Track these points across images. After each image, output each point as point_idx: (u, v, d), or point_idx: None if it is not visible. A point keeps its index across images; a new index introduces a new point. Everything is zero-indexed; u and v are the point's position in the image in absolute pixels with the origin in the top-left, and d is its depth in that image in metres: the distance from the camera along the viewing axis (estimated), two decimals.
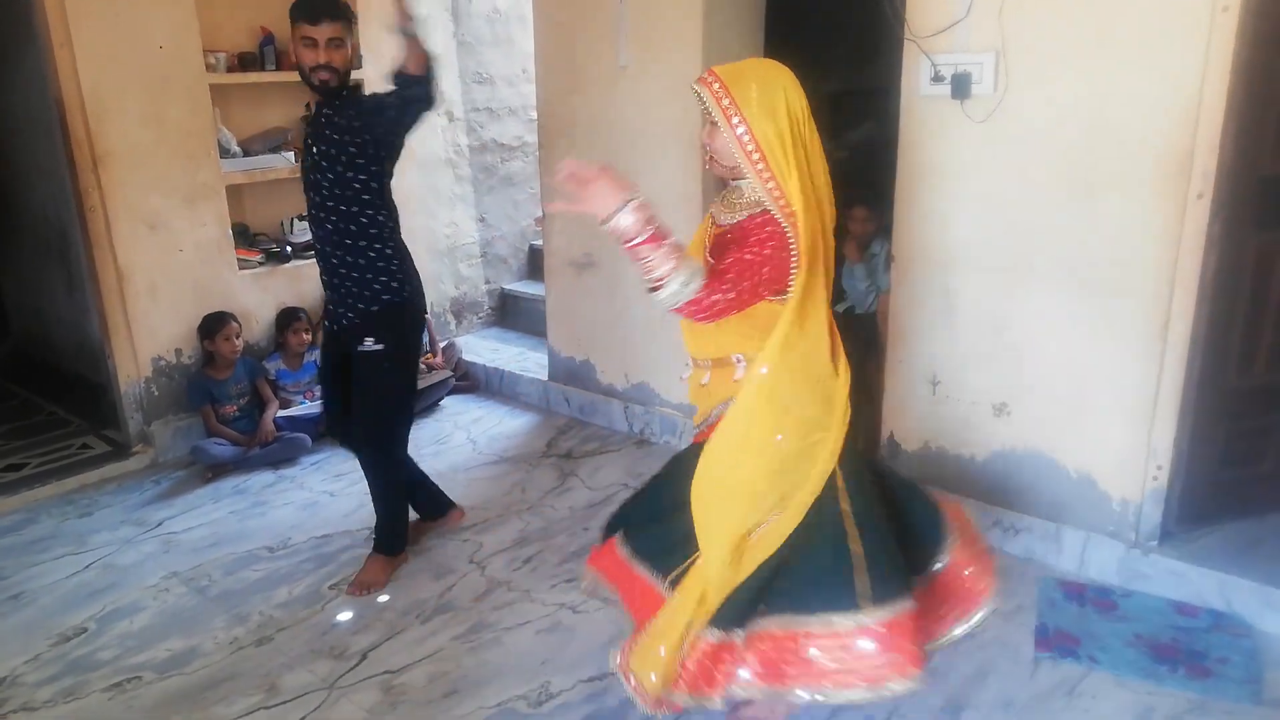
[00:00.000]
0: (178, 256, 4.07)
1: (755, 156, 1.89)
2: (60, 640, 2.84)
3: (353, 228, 2.82)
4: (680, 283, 1.82)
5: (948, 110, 2.92)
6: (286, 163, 4.44)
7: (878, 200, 3.72)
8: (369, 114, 2.76)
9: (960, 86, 2.85)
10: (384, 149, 2.80)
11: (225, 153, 4.25)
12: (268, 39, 4.38)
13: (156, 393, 4.10)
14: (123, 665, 2.71)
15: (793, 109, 1.89)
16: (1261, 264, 2.74)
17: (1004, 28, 2.76)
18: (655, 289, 1.85)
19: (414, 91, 2.70)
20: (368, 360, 2.90)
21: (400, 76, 2.72)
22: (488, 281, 5.57)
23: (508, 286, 5.64)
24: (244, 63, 4.32)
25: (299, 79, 2.86)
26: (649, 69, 3.74)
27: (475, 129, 5.27)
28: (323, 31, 2.70)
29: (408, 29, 2.67)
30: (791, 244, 1.91)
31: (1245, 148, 2.56)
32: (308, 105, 2.97)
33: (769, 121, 1.87)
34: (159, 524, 3.55)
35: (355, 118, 2.75)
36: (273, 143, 4.48)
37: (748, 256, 1.91)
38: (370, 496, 3.16)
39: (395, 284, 2.89)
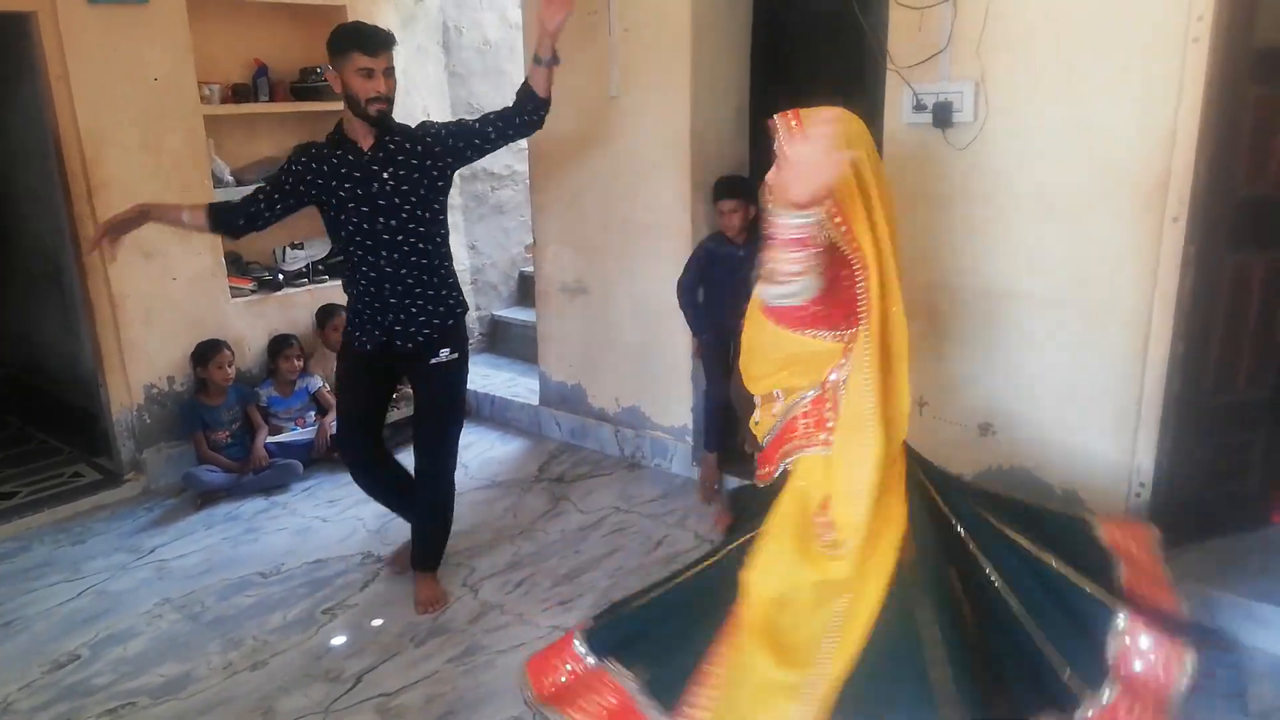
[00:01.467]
0: (171, 285, 4.10)
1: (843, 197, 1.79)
2: (54, 667, 2.84)
3: (429, 247, 2.94)
4: (801, 287, 1.73)
5: (930, 138, 2.99)
6: None
7: None
8: (467, 138, 2.95)
9: (942, 115, 2.93)
10: (457, 169, 3.02)
11: (219, 182, 4.30)
12: (261, 70, 4.44)
13: (149, 420, 4.11)
14: (117, 691, 2.72)
15: (857, 159, 1.79)
16: (1236, 284, 2.81)
17: (982, 58, 2.84)
18: (777, 282, 1.74)
19: (536, 116, 2.98)
20: (444, 371, 3.02)
21: (530, 98, 2.95)
22: (478, 308, 5.61)
23: (498, 313, 5.68)
24: (238, 94, 4.38)
25: (289, 110, 2.95)
26: (639, 99, 3.81)
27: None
28: (380, 62, 2.76)
29: (551, 59, 2.90)
30: (860, 286, 1.83)
31: (1219, 172, 2.64)
32: (335, 138, 2.90)
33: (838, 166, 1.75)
34: (152, 551, 3.55)
35: (440, 141, 2.92)
36: (266, 172, 4.51)
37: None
38: (414, 512, 3.19)
39: (459, 294, 3.09)
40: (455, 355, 3.02)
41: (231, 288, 4.35)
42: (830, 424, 1.93)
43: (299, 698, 2.65)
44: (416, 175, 2.87)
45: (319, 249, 4.79)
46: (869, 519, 1.80)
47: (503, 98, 5.43)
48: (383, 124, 2.83)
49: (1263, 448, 3.02)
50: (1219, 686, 2.46)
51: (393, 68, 2.81)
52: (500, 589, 3.18)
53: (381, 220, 2.88)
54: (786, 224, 1.66)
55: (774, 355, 1.98)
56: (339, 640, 2.93)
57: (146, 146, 3.95)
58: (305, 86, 4.57)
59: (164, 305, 4.09)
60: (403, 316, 2.94)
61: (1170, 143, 2.61)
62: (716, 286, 3.73)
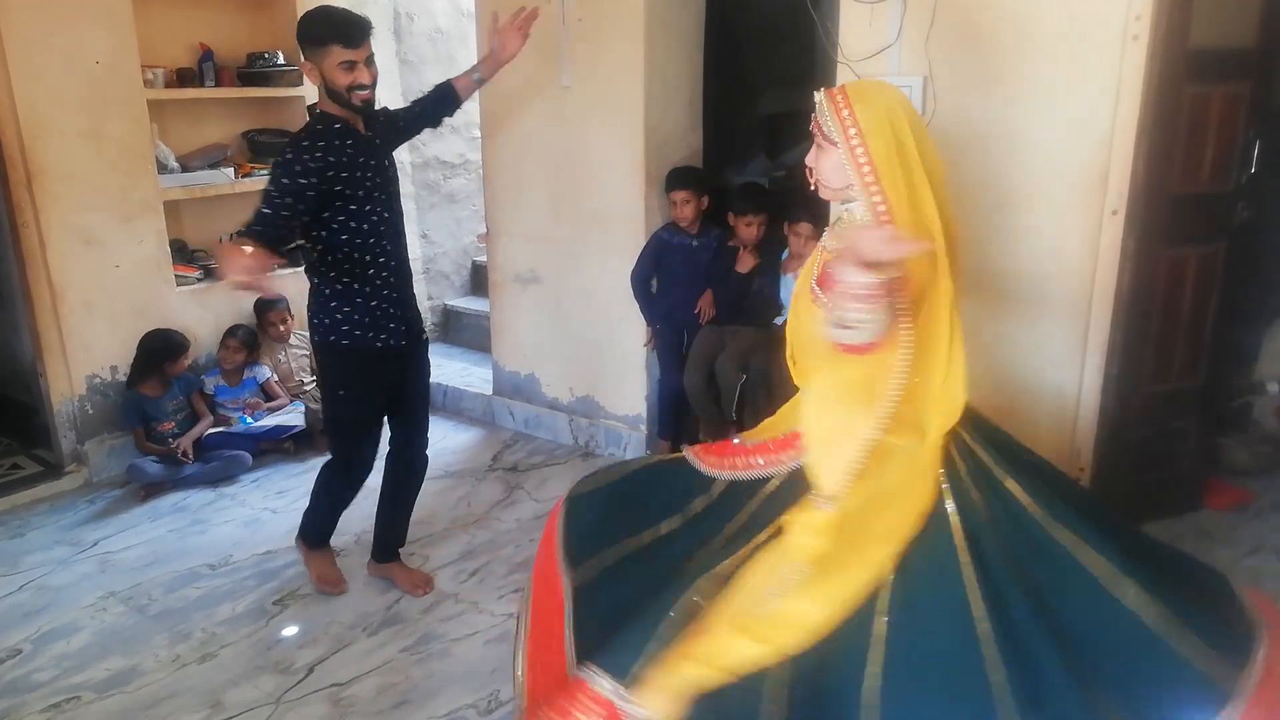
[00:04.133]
0: (114, 273, 4.01)
1: (866, 169, 1.78)
2: None
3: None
4: (870, 329, 1.66)
5: None
6: (226, 179, 4.41)
7: (819, 219, 3.83)
8: (413, 124, 2.99)
9: None
10: None
11: (164, 169, 4.21)
12: (207, 55, 4.35)
13: (91, 411, 4.02)
14: (60, 686, 2.66)
15: (899, 130, 1.77)
16: (1172, 277, 2.91)
17: (930, 53, 2.89)
18: (845, 326, 1.68)
19: (447, 112, 3.06)
20: (427, 347, 3.06)
21: (453, 101, 3.05)
22: (430, 298, 5.57)
23: (450, 302, 5.64)
24: (183, 79, 4.29)
25: (235, 95, 2.86)
26: (592, 90, 3.81)
27: (417, 146, 5.28)
28: (362, 52, 2.63)
29: (496, 69, 3.02)
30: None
31: (1156, 168, 2.72)
32: (329, 126, 2.66)
33: (879, 138, 1.76)
34: (94, 544, 3.48)
35: (403, 130, 2.95)
36: (212, 159, 4.45)
37: None
38: (397, 498, 3.15)
39: None
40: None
41: (176, 276, 4.27)
42: None
43: (249, 689, 2.62)
44: (398, 132, 2.93)
45: None
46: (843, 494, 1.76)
47: None
48: (369, 113, 2.74)
49: (1195, 435, 3.14)
50: None
51: (373, 54, 2.67)
52: (454, 578, 3.18)
53: (396, 206, 2.83)
54: (854, 280, 1.61)
55: (823, 349, 1.83)
56: (290, 631, 2.90)
57: (88, 132, 3.85)
58: (253, 72, 4.49)
59: (106, 294, 4.00)
60: (408, 304, 2.92)
61: (1110, 138, 2.69)
62: (670, 276, 3.76)
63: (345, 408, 2.91)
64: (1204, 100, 2.76)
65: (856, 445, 1.78)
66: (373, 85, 2.67)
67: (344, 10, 2.77)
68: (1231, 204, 2.96)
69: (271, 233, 2.51)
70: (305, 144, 2.61)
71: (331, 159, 2.61)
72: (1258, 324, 3.82)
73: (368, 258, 2.74)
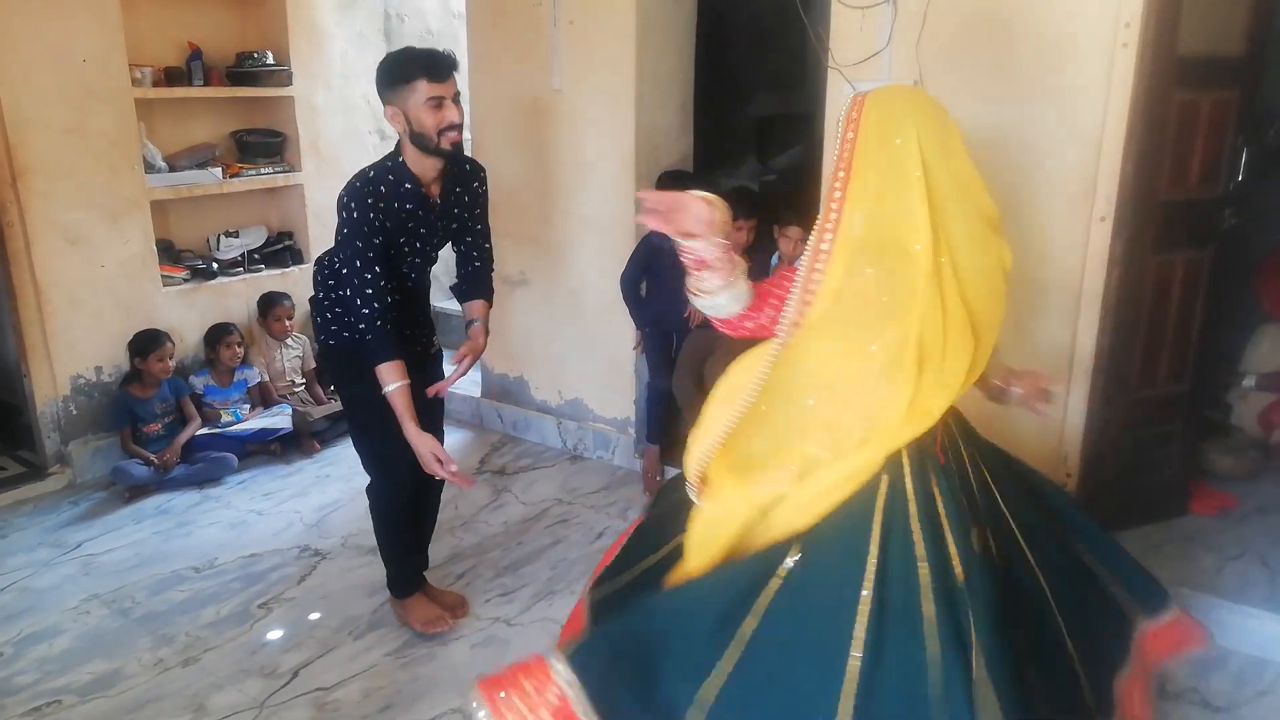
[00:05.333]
0: (100, 272, 3.98)
1: (841, 172, 1.72)
2: None
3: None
4: (725, 299, 1.79)
5: None
6: (214, 179, 4.39)
7: (809, 222, 3.84)
8: (474, 221, 2.78)
9: None
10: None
11: (150, 168, 4.18)
12: (195, 54, 4.33)
13: (75, 412, 3.99)
14: (42, 689, 2.63)
15: (923, 143, 1.69)
16: (1159, 283, 2.92)
17: (921, 58, 2.90)
18: (698, 296, 1.82)
19: (463, 283, 2.84)
20: (439, 361, 2.94)
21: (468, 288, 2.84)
22: None
23: (439, 304, 5.60)
24: (170, 78, 4.27)
25: (224, 94, 2.72)
26: (583, 92, 3.81)
27: None
28: (450, 87, 2.46)
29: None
30: (799, 278, 1.75)
31: (1144, 174, 2.73)
32: (394, 180, 2.53)
33: (879, 148, 1.70)
34: (78, 546, 3.45)
35: (479, 200, 2.76)
36: (200, 158, 4.42)
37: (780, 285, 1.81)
38: (429, 518, 3.06)
39: None
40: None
41: (163, 276, 4.24)
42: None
43: (233, 693, 2.60)
44: (467, 207, 2.74)
45: (254, 238, 4.70)
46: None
47: None
48: (456, 158, 2.59)
49: (1180, 440, 3.15)
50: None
51: (459, 92, 2.50)
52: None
53: (431, 248, 2.73)
54: (687, 247, 1.73)
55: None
56: (275, 635, 2.88)
57: (74, 130, 3.82)
58: (241, 71, 4.47)
59: (92, 293, 3.97)
60: (426, 322, 2.88)
61: (1099, 144, 2.69)
62: (659, 280, 3.75)
63: (358, 407, 2.76)
64: (1192, 107, 2.78)
65: (710, 437, 1.79)
66: (461, 127, 2.50)
67: (426, 47, 2.59)
68: (1219, 210, 2.97)
69: (386, 309, 2.50)
70: (363, 197, 2.48)
71: (382, 220, 2.50)
72: (1243, 330, 3.85)
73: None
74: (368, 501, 2.86)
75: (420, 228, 2.62)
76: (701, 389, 3.69)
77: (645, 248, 3.73)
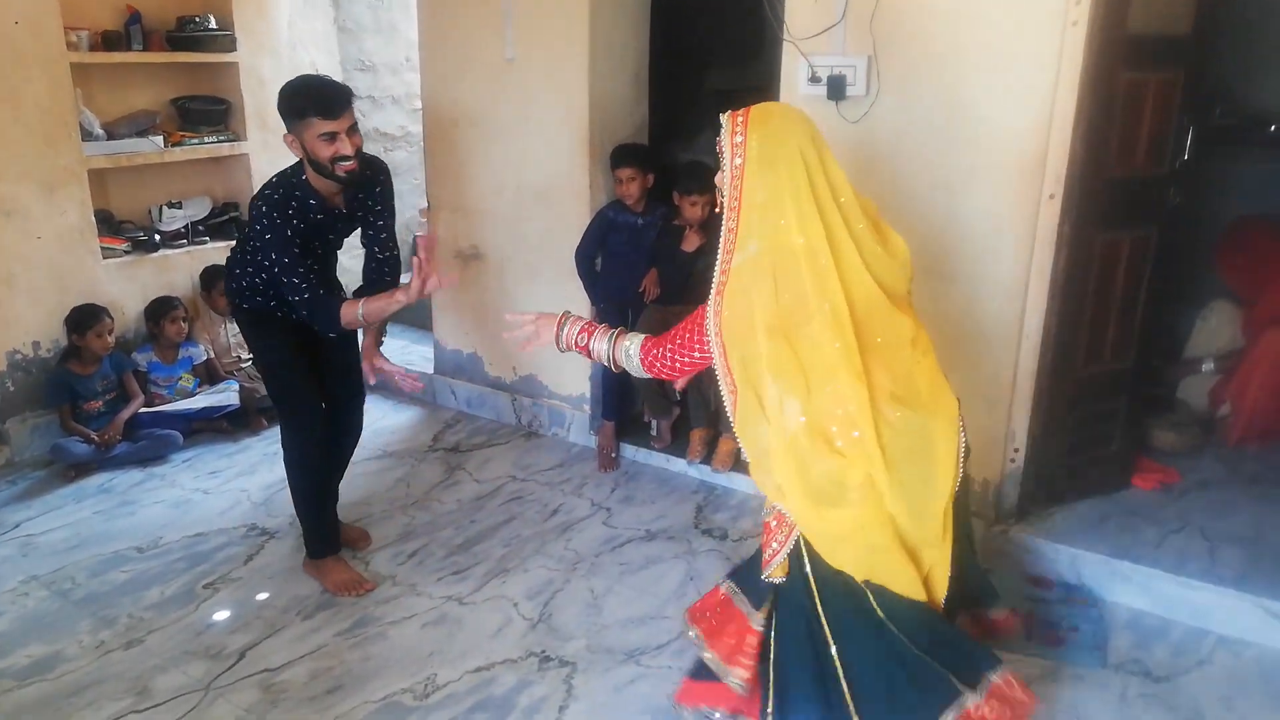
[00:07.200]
0: (35, 244, 3.85)
1: (734, 200, 1.82)
2: None
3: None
4: (625, 354, 2.07)
5: (824, 110, 3.03)
6: (154, 147, 4.26)
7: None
8: (376, 220, 2.90)
9: (835, 88, 2.97)
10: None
11: (88, 135, 4.04)
12: (134, 17, 4.18)
13: (12, 388, 3.87)
14: None
15: (793, 161, 1.78)
16: (1106, 261, 2.95)
17: (875, 33, 2.88)
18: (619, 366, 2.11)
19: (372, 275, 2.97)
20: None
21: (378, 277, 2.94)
22: None
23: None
24: (108, 42, 4.12)
25: (165, 60, 2.75)
26: (536, 63, 3.74)
27: (357, 117, 5.16)
28: (344, 122, 2.58)
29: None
30: (714, 307, 1.87)
31: (1093, 152, 2.75)
32: (301, 192, 2.69)
33: (768, 166, 1.79)
34: (16, 526, 3.36)
35: (381, 200, 2.87)
36: (140, 126, 4.28)
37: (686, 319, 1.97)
38: (336, 476, 3.15)
39: None
40: None
41: (103, 248, 4.12)
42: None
43: (177, 676, 2.56)
44: (369, 208, 2.86)
45: (198, 209, 4.58)
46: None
47: (394, 55, 5.28)
48: (356, 182, 2.71)
49: (1125, 415, 3.20)
50: (1083, 639, 2.63)
51: (356, 124, 2.64)
52: (392, 560, 3.13)
53: (335, 241, 2.93)
54: (572, 338, 2.20)
55: None
56: (221, 615, 2.84)
57: (5, 96, 3.67)
58: (182, 36, 4.33)
59: (28, 266, 3.84)
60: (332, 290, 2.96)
61: (1048, 122, 2.71)
62: (615, 255, 3.73)
63: (264, 355, 2.97)
64: (1140, 86, 2.80)
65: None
66: (356, 155, 2.63)
67: (323, 79, 2.73)
68: (1164, 189, 3.01)
69: (311, 272, 2.68)
70: (276, 206, 2.64)
71: (294, 223, 2.66)
72: (1188, 308, 3.92)
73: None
74: (286, 469, 3.02)
75: (329, 233, 2.84)
76: None
77: (600, 222, 3.70)
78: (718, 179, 1.89)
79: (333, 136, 2.57)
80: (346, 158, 2.60)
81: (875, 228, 1.86)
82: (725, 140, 1.85)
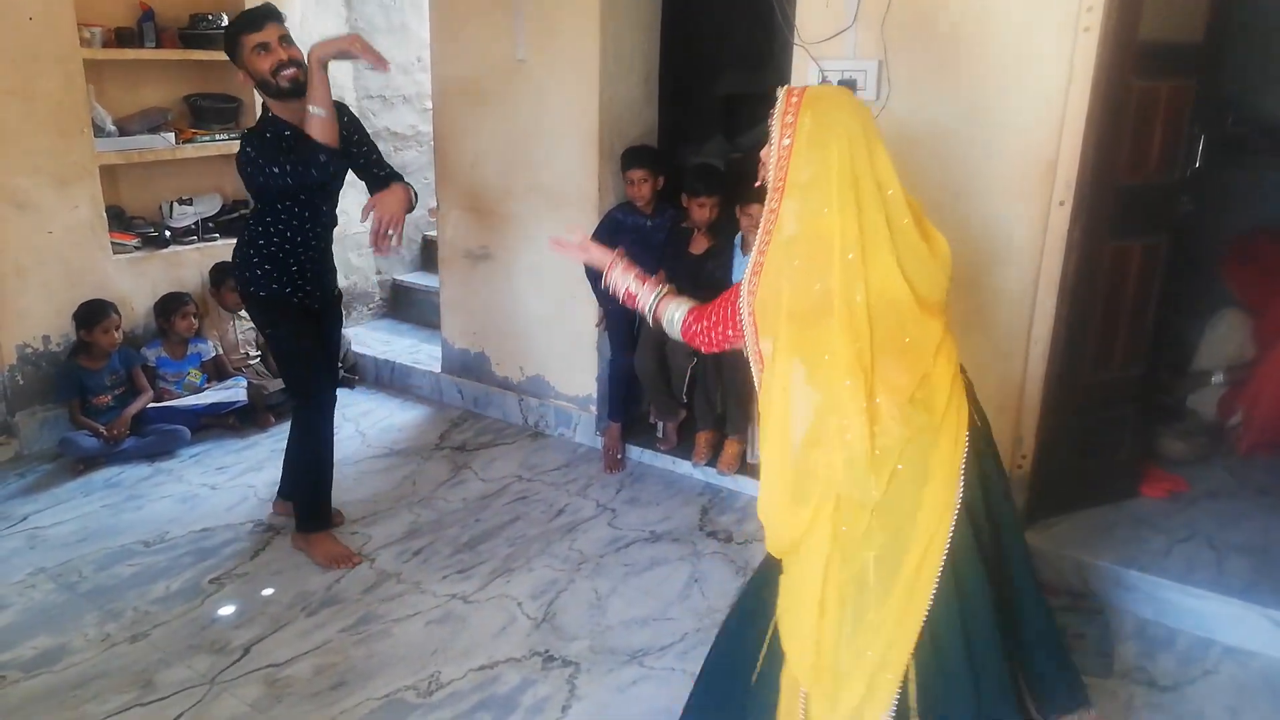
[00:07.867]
0: (47, 239, 3.86)
1: (780, 180, 1.78)
2: None
3: (335, 210, 3.11)
4: (669, 319, 2.09)
5: None
6: (166, 144, 4.27)
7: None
8: (357, 163, 3.05)
9: None
10: None
11: (100, 131, 4.06)
12: (147, 15, 4.20)
13: (22, 381, 3.89)
14: None
15: (842, 144, 1.73)
16: (1116, 267, 2.94)
17: (886, 38, 2.88)
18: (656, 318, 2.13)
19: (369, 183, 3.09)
20: (340, 302, 3.28)
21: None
22: (379, 272, 5.47)
23: (400, 278, 5.55)
24: (121, 39, 4.14)
25: (177, 57, 2.83)
26: (546, 63, 3.75)
27: (368, 116, 5.17)
28: (270, 33, 2.72)
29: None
30: (749, 287, 1.84)
31: (1103, 159, 2.75)
32: (272, 128, 2.85)
33: (817, 149, 1.74)
34: (24, 519, 3.37)
35: (348, 128, 2.96)
36: (151, 122, 4.30)
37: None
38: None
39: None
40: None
41: (113, 243, 4.13)
42: None
43: (182, 669, 2.56)
44: (342, 133, 2.90)
45: (209, 206, 4.59)
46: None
47: (405, 55, 5.29)
48: (297, 93, 2.77)
49: (1133, 423, 3.19)
50: (1089, 647, 2.62)
51: (288, 36, 2.78)
52: (397, 557, 3.13)
53: (334, 200, 3.05)
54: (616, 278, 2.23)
55: None
56: (226, 610, 2.84)
57: (18, 90, 3.69)
58: (195, 33, 4.34)
59: (39, 260, 3.86)
60: (325, 273, 3.13)
61: (1059, 128, 2.70)
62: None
63: (283, 342, 3.09)
64: (1152, 93, 2.79)
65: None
66: (295, 64, 2.74)
67: (250, 8, 2.87)
68: (1175, 197, 3.00)
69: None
70: (253, 133, 2.84)
71: (267, 155, 2.79)
72: (1198, 316, 3.91)
73: (298, 238, 2.97)
74: (296, 449, 3.18)
75: (300, 165, 2.84)
76: (663, 367, 3.68)
77: (609, 223, 3.70)
78: (764, 153, 1.85)
79: (265, 47, 2.71)
80: (284, 64, 2.72)
81: (919, 224, 1.81)
82: (776, 118, 1.80)
